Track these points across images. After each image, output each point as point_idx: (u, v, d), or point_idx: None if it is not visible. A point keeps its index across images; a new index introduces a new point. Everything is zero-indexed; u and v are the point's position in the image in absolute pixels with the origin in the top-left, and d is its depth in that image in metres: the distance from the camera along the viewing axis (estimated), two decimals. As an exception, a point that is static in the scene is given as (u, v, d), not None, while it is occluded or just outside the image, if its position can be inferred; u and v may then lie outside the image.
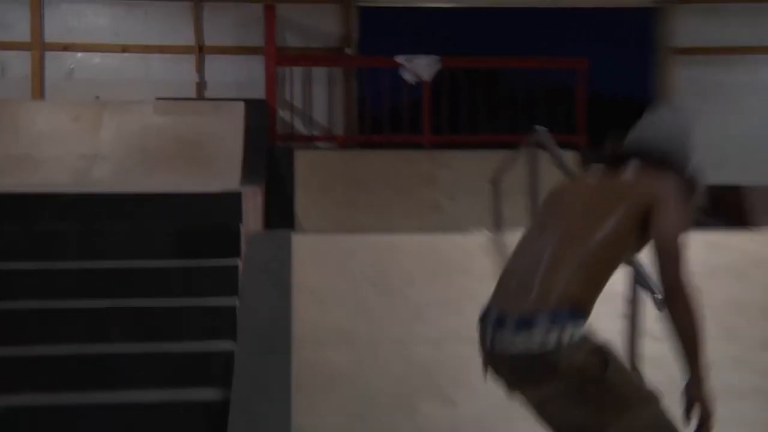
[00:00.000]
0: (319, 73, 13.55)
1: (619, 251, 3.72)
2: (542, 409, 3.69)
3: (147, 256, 7.29)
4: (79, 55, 13.43)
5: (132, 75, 13.36)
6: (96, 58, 13.47)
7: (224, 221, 7.67)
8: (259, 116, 12.23)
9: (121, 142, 11.65)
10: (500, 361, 3.74)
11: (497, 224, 8.10)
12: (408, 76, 12.67)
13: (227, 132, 11.87)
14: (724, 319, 6.23)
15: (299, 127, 13.48)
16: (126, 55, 13.49)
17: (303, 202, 11.25)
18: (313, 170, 11.80)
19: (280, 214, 10.69)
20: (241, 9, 13.44)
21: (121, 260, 7.25)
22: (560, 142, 8.00)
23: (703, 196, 4.14)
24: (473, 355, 5.01)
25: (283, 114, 13.25)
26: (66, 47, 13.35)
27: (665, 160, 3.87)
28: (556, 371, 3.44)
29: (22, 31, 13.28)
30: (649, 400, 3.57)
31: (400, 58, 12.71)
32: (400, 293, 6.53)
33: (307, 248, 7.12)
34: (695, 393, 3.48)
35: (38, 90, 13.21)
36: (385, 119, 13.42)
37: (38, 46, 13.30)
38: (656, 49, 13.74)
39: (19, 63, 13.24)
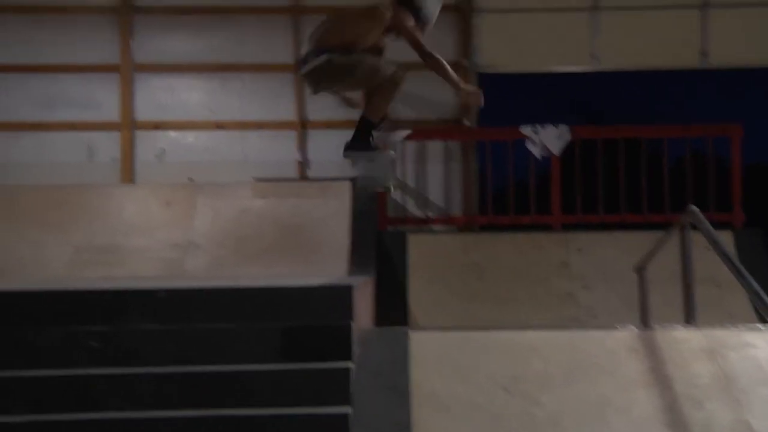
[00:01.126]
0: (435, 147, 13.65)
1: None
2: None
3: (248, 360, 7.19)
4: (172, 134, 13.71)
5: (228, 154, 13.61)
6: (189, 137, 13.74)
7: (333, 319, 7.47)
8: (368, 197, 12.19)
9: (216, 229, 11.77)
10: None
11: (645, 319, 7.89)
12: (535, 149, 12.58)
13: (333, 215, 11.93)
14: None
15: (412, 208, 13.56)
16: (221, 132, 13.72)
17: (417, 294, 11.16)
18: (428, 257, 11.76)
19: (392, 307, 10.53)
20: None
21: (220, 365, 7.16)
22: (713, 222, 7.85)
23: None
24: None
25: (394, 194, 13.16)
26: (157, 126, 13.63)
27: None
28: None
29: (110, 110, 13.62)
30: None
31: (525, 129, 12.64)
32: (535, 400, 6.36)
33: (427, 348, 6.96)
34: (464, 90, 8.38)
35: (128, 173, 13.46)
36: (509, 198, 13.16)
37: (128, 126, 13.57)
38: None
39: (108, 144, 13.56)
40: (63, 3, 13.46)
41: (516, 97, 13.43)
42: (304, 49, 8.18)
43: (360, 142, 8.32)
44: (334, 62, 7.78)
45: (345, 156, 8.55)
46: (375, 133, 8.30)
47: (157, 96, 13.69)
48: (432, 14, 8.16)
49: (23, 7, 13.63)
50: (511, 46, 13.42)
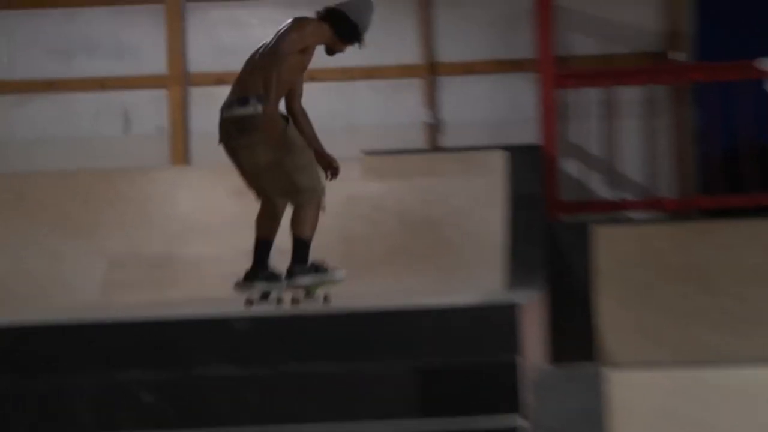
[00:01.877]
0: (631, 96, 13.51)
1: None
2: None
3: (367, 416, 7.22)
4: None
5: (325, 117, 13.36)
6: None
7: (490, 353, 7.45)
8: (530, 173, 12.29)
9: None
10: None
11: None
12: (775, 94, 12.41)
13: (480, 202, 11.94)
14: None
15: (598, 188, 13.45)
16: (314, 85, 13.56)
17: (609, 309, 11.00)
18: (624, 257, 11.62)
19: (572, 335, 10.65)
20: (499, 6, 13.61)
21: (325, 423, 7.22)
22: None
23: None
24: None
25: (570, 167, 13.33)
26: (220, 79, 13.46)
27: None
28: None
29: (153, 59, 13.89)
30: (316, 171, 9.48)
31: (765, 62, 12.38)
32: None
33: (633, 395, 6.91)
34: (324, 156, 9.47)
35: (180, 149, 13.63)
36: (744, 169, 13.05)
37: (179, 80, 13.71)
38: None
39: (151, 108, 13.78)
40: None
41: (750, 20, 13.21)
42: None
43: (302, 265, 9.34)
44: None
45: (289, 285, 9.36)
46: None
47: (219, 36, 13.86)
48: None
49: None
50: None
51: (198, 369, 7.53)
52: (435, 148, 13.52)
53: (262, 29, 13.54)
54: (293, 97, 9.66)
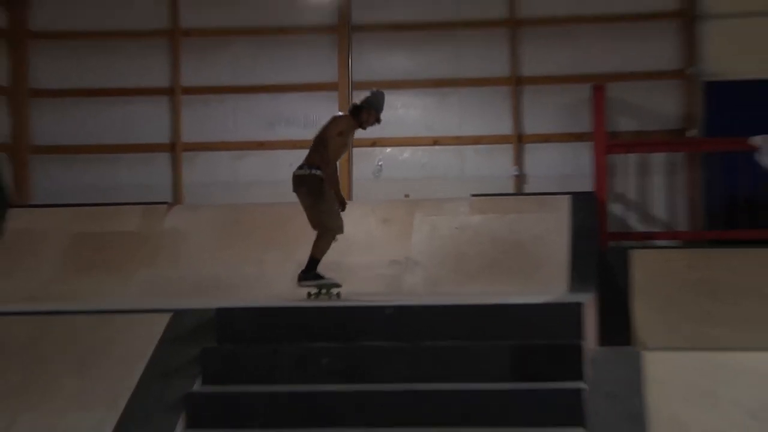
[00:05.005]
0: (658, 159, 13.45)
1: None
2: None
3: (476, 379, 7.22)
4: (388, 150, 13.89)
5: (444, 170, 13.73)
6: (406, 152, 13.89)
7: (562, 337, 7.47)
8: (587, 212, 12.17)
9: (433, 245, 11.88)
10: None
11: None
12: (765, 160, 12.23)
13: (552, 231, 11.90)
14: None
15: (634, 223, 13.40)
16: (438, 148, 13.81)
17: (642, 314, 10.88)
18: (654, 274, 11.45)
19: (615, 329, 10.37)
20: (566, 91, 13.60)
21: (448, 383, 7.22)
22: None
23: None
24: None
25: (615, 208, 13.20)
26: (374, 143, 13.74)
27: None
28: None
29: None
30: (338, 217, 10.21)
31: (756, 139, 12.25)
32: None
33: (663, 370, 6.90)
34: (339, 197, 10.41)
35: (346, 190, 13.44)
36: (740, 210, 13.07)
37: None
38: None
39: None
40: (282, 24, 13.80)
41: (747, 105, 13.01)
42: None
43: (309, 273, 10.05)
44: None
45: (299, 285, 10.10)
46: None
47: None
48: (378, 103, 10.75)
49: (247, 30, 14.07)
50: (740, 52, 13.15)
51: (360, 341, 7.67)
52: (520, 192, 13.40)
53: (405, 109, 13.67)
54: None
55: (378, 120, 10.58)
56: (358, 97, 13.43)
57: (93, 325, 7.90)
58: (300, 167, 10.23)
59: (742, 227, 12.81)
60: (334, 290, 10.02)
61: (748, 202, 13.00)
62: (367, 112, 10.48)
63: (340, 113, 10.85)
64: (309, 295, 10.05)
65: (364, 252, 11.66)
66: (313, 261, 10.05)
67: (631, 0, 13.47)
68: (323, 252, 10.13)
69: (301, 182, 10.16)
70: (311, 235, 11.70)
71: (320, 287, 10.04)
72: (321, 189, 10.05)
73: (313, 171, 10.08)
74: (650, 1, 13.50)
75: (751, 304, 10.49)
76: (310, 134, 13.44)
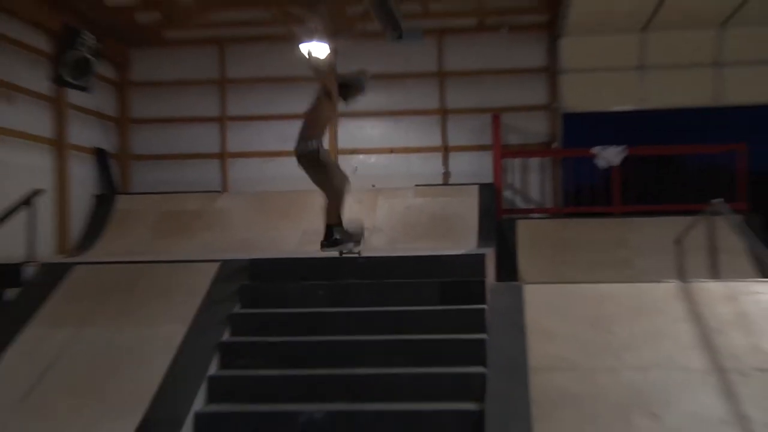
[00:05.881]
0: (534, 162, 13.51)
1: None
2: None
3: (418, 304, 7.26)
4: (361, 156, 13.82)
5: (397, 169, 13.66)
6: (372, 158, 13.85)
7: (474, 275, 7.55)
8: (489, 196, 12.22)
9: (390, 218, 11.89)
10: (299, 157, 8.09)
11: (682, 276, 7.75)
12: (601, 163, 12.42)
13: (467, 209, 11.92)
14: None
15: (519, 203, 13.45)
16: (393, 155, 13.80)
17: (523, 261, 11.09)
18: (530, 236, 11.65)
19: (507, 271, 10.48)
20: (475, 118, 13.52)
21: (400, 306, 7.24)
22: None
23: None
24: (672, 378, 4.81)
25: (506, 194, 13.19)
26: (353, 152, 13.76)
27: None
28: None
29: (326, 143, 13.70)
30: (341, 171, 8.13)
31: (595, 149, 12.45)
32: (610, 331, 6.30)
33: (535, 296, 6.93)
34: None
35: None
36: (584, 195, 13.24)
37: (333, 152, 13.58)
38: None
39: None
40: (290, 74, 13.12)
41: (589, 128, 13.24)
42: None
43: (331, 240, 8.21)
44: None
45: (322, 250, 8.28)
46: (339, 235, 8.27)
47: (353, 132, 13.81)
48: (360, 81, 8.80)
49: (268, 78, 13.90)
50: (584, 94, 13.20)
51: (343, 280, 7.71)
52: (447, 184, 13.43)
53: (371, 130, 13.75)
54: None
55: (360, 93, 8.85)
56: (344, 123, 13.87)
57: (171, 270, 7.94)
58: (300, 142, 8.26)
59: (584, 205, 13.00)
60: (355, 249, 8.49)
61: (589, 189, 13.12)
62: (355, 89, 8.69)
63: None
64: (340, 253, 8.37)
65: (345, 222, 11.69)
66: (329, 228, 8.27)
67: (516, 58, 13.42)
68: (337, 214, 8.27)
69: (303, 159, 8.20)
70: (313, 211, 11.79)
71: (340, 252, 8.39)
72: (319, 159, 8.15)
73: (310, 144, 8.16)
74: (528, 59, 13.49)
75: (587, 254, 10.79)
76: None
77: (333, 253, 8.27)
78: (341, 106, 8.76)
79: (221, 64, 14.09)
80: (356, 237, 8.46)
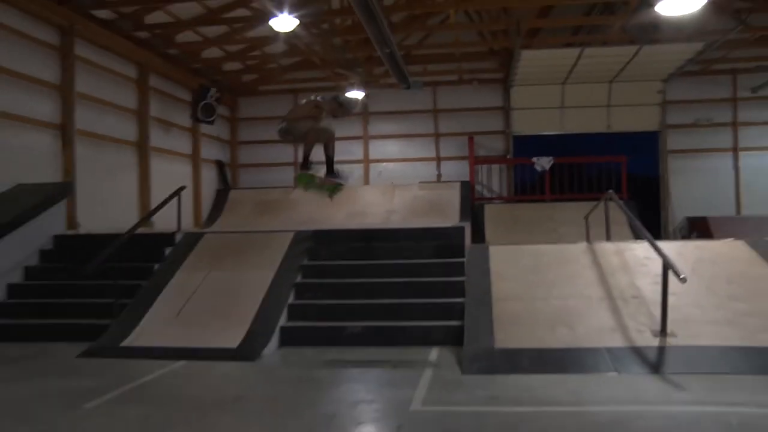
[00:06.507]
0: (495, 167, 13.44)
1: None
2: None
3: (420, 258, 7.30)
4: (383, 164, 13.83)
5: (407, 172, 13.61)
6: (391, 165, 13.83)
7: (457, 239, 7.56)
8: (466, 189, 12.11)
9: (403, 203, 11.78)
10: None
11: (588, 239, 7.78)
12: (537, 167, 12.43)
13: (452, 198, 11.81)
14: (711, 284, 5.89)
15: (485, 193, 13.39)
16: (405, 163, 13.80)
17: (489, 231, 11.03)
18: (493, 215, 11.62)
19: (478, 237, 10.46)
20: (457, 139, 13.44)
21: (410, 259, 7.28)
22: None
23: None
24: (581, 303, 4.93)
25: (478, 187, 13.14)
26: (378, 161, 13.79)
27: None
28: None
29: (358, 154, 13.82)
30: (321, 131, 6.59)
31: (534, 158, 12.47)
32: (545, 273, 6.37)
33: (496, 252, 6.97)
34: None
35: (366, 180, 13.64)
36: (527, 187, 13.14)
37: (366, 161, 13.79)
38: (660, 151, 13.05)
39: (358, 170, 13.67)
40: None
41: (530, 144, 13.23)
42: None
43: (332, 171, 7.51)
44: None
45: (327, 178, 7.56)
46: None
47: (378, 147, 13.81)
48: (352, 106, 7.26)
49: None
50: (527, 122, 13.21)
51: (372, 242, 7.66)
52: (439, 181, 13.33)
53: (390, 147, 13.54)
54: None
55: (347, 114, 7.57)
56: (372, 142, 13.88)
57: (263, 237, 7.88)
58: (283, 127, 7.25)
59: (527, 194, 12.86)
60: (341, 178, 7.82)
61: (530, 184, 12.99)
62: (344, 109, 7.31)
63: (319, 98, 7.33)
64: (335, 176, 7.71)
65: (375, 206, 11.60)
66: (331, 160, 7.50)
67: (483, 101, 13.37)
68: (331, 150, 7.42)
69: (279, 132, 7.30)
70: (352, 200, 11.84)
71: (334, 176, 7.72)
72: (288, 133, 7.19)
73: (281, 125, 7.24)
74: (490, 101, 13.46)
75: (529, 226, 10.79)
76: (355, 157, 13.56)
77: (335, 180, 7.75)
78: (330, 119, 7.67)
79: (294, 105, 13.98)
80: (340, 174, 7.76)
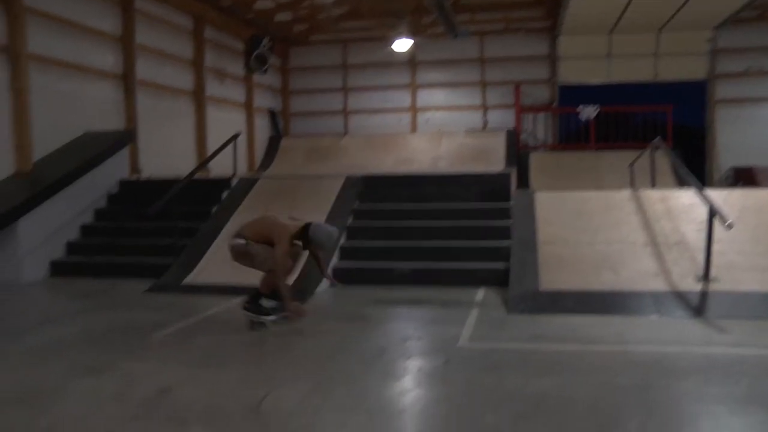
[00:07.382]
0: (541, 116, 13.10)
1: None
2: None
3: (467, 200, 7.35)
4: (430, 112, 13.58)
5: (454, 120, 13.37)
6: (438, 113, 13.56)
7: (503, 185, 7.59)
8: (512, 138, 11.97)
9: (450, 150, 11.78)
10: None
11: (634, 186, 7.59)
12: (583, 116, 12.09)
13: (498, 145, 11.73)
14: (756, 232, 5.70)
15: (531, 141, 13.09)
16: (452, 111, 13.55)
17: (533, 178, 10.79)
18: (538, 163, 11.35)
19: (523, 183, 10.25)
20: (504, 87, 13.12)
21: (457, 203, 7.32)
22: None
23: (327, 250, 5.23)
24: (626, 248, 4.82)
25: (523, 136, 12.86)
26: (425, 109, 13.58)
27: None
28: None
29: (406, 102, 13.60)
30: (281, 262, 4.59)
31: (579, 107, 12.11)
32: (590, 219, 6.28)
33: (542, 198, 6.85)
34: (289, 304, 4.63)
35: (413, 128, 13.48)
36: (572, 136, 12.78)
37: (413, 109, 13.57)
38: (707, 101, 12.43)
39: (405, 118, 13.57)
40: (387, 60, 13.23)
41: (577, 94, 12.83)
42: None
43: (252, 305, 4.73)
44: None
45: (242, 309, 4.74)
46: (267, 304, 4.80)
47: (425, 96, 13.55)
48: (322, 244, 4.82)
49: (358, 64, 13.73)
50: (573, 71, 12.78)
51: (421, 188, 7.69)
52: (485, 129, 13.11)
53: (439, 95, 13.38)
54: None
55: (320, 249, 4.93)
56: (420, 91, 13.65)
57: (315, 181, 7.82)
58: (233, 237, 4.82)
59: (572, 143, 12.51)
60: (268, 320, 4.68)
61: (575, 133, 12.65)
62: (315, 246, 4.83)
63: (292, 226, 4.76)
64: (251, 322, 4.67)
65: (423, 153, 11.60)
66: (257, 294, 4.76)
67: (529, 49, 12.96)
68: (271, 289, 4.73)
69: (231, 250, 4.82)
70: (399, 146, 11.77)
71: (251, 320, 4.69)
72: (246, 252, 4.72)
73: (238, 240, 4.75)
74: (537, 50, 12.96)
75: (574, 173, 10.49)
76: (404, 106, 13.50)
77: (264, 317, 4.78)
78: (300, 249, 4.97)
79: (344, 55, 13.93)
80: (275, 312, 4.75)
